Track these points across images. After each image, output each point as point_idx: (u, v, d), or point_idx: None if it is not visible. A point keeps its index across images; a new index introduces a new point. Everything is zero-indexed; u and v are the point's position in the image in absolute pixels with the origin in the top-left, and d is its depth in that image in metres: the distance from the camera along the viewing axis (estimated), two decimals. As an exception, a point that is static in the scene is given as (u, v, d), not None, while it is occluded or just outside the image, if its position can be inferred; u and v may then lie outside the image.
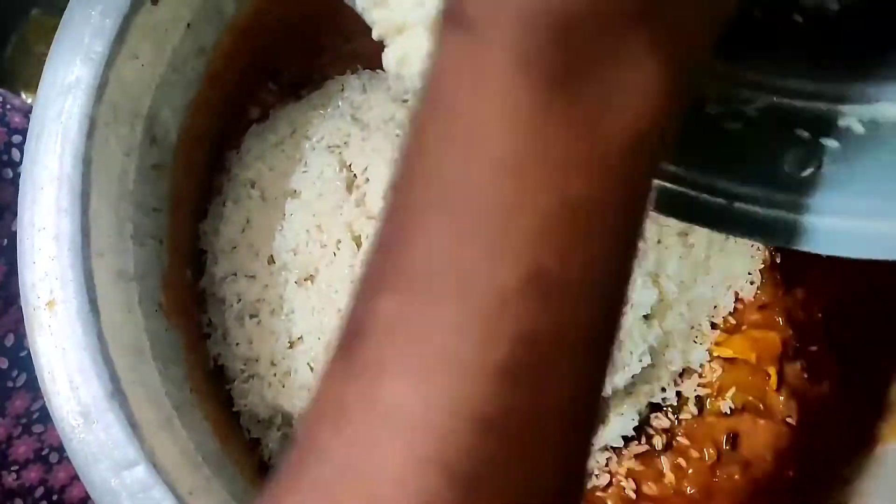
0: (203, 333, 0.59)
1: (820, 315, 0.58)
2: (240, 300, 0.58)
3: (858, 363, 0.57)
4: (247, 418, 0.58)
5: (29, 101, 0.83)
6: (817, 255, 0.57)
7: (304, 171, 0.59)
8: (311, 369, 0.56)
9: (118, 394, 0.47)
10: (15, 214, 0.63)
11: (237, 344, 0.58)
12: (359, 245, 0.57)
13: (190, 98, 0.57)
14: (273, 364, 0.57)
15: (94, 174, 0.49)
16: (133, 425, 0.47)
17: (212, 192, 0.61)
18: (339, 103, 0.61)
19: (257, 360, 0.58)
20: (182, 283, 0.58)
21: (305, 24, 0.64)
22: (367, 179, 0.58)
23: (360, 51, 0.65)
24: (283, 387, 0.57)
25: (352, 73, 0.64)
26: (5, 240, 0.63)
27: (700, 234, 0.58)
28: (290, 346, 0.57)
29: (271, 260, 0.59)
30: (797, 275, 0.59)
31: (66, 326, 0.47)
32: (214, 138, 0.61)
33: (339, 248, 0.57)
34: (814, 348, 0.58)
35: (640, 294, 0.55)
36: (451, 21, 0.24)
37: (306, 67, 0.65)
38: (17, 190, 0.63)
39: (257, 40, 0.61)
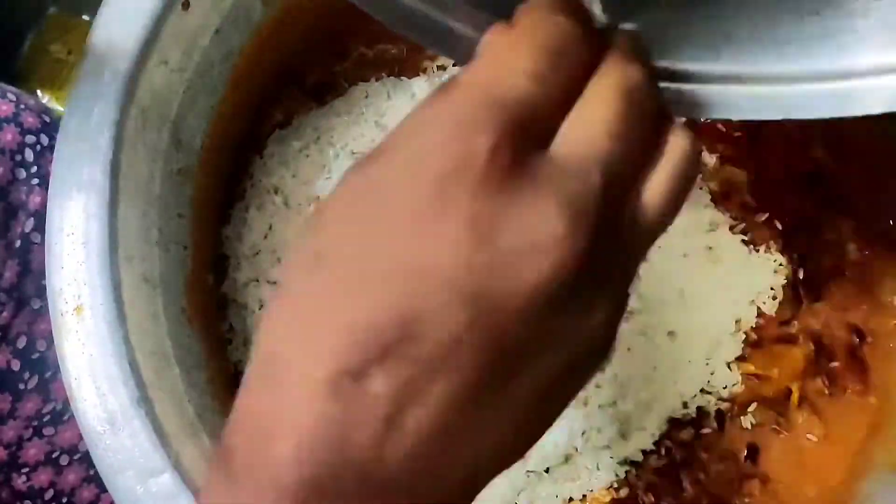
0: (224, 339, 0.59)
1: (841, 331, 0.58)
2: (261, 306, 0.58)
3: (879, 379, 0.58)
4: (266, 425, 0.58)
5: (45, 99, 0.83)
6: (839, 271, 0.58)
7: (328, 178, 0.59)
8: (332, 377, 0.56)
9: (145, 401, 0.47)
10: (28, 215, 0.63)
11: (258, 350, 0.58)
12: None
13: (215, 103, 0.56)
14: (294, 371, 0.57)
15: (123, 179, 0.49)
16: (159, 433, 0.46)
17: (235, 197, 0.61)
18: (364, 110, 0.61)
19: (278, 368, 0.57)
20: (204, 288, 0.58)
21: (330, 30, 0.64)
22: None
23: (384, 57, 0.65)
24: (304, 395, 0.57)
25: (376, 80, 0.64)
26: (18, 241, 0.62)
27: (725, 249, 0.58)
28: (311, 354, 0.57)
29: (293, 267, 0.58)
30: (819, 290, 0.59)
31: (94, 332, 0.47)
32: (238, 143, 0.61)
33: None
34: (835, 364, 0.58)
35: (666, 311, 0.55)
36: (219, 466, 0.25)
37: (330, 73, 0.65)
38: (30, 190, 0.62)
39: (282, 46, 0.61)
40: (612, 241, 0.25)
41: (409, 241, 0.24)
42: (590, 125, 0.26)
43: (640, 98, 0.26)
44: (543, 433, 0.27)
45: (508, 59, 0.26)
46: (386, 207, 0.24)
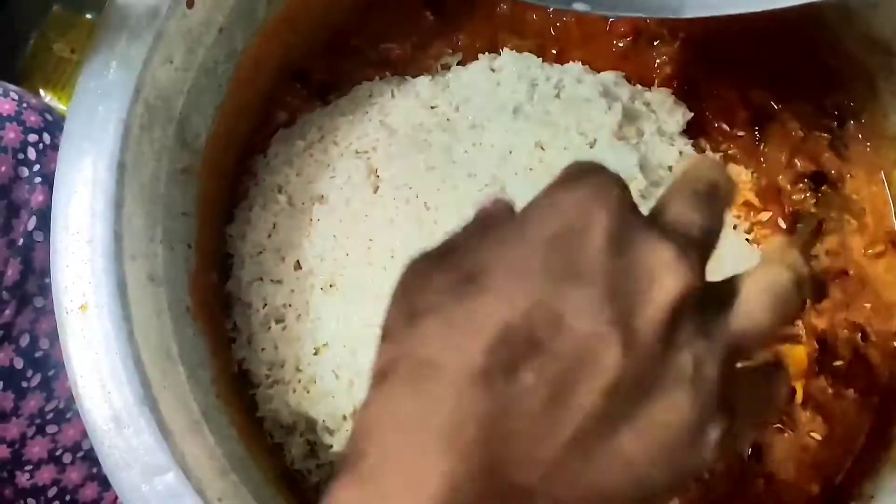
0: (228, 338, 0.59)
1: (845, 330, 0.58)
2: (265, 305, 0.58)
3: (882, 378, 0.58)
4: (270, 424, 0.58)
5: (48, 98, 0.83)
6: (843, 270, 0.58)
7: (332, 177, 0.59)
8: (336, 377, 0.56)
9: (149, 399, 0.47)
10: (30, 213, 0.62)
11: (262, 349, 0.58)
12: (386, 252, 0.57)
13: (219, 102, 0.57)
14: (298, 370, 0.57)
15: (128, 178, 0.49)
16: (164, 431, 0.46)
17: (239, 196, 0.61)
18: (368, 109, 0.61)
19: (282, 366, 0.57)
20: (208, 286, 0.58)
21: (335, 29, 0.64)
22: (395, 186, 0.58)
23: (388, 56, 0.65)
24: (308, 393, 0.57)
25: (380, 79, 0.64)
26: (21, 239, 0.62)
27: (728, 248, 0.58)
28: (316, 353, 0.57)
29: (298, 265, 0.58)
30: (823, 290, 0.59)
31: (99, 330, 0.47)
32: (242, 142, 0.61)
33: (365, 256, 0.57)
34: (838, 363, 0.58)
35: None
36: (349, 470, 0.27)
37: (334, 72, 0.65)
38: (32, 189, 0.62)
39: (287, 44, 0.61)
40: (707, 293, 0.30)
41: (559, 252, 0.28)
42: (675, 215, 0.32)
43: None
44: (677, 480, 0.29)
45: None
46: (536, 232, 0.29)
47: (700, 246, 0.31)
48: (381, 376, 0.29)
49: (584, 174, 0.31)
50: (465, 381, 0.26)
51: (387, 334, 0.30)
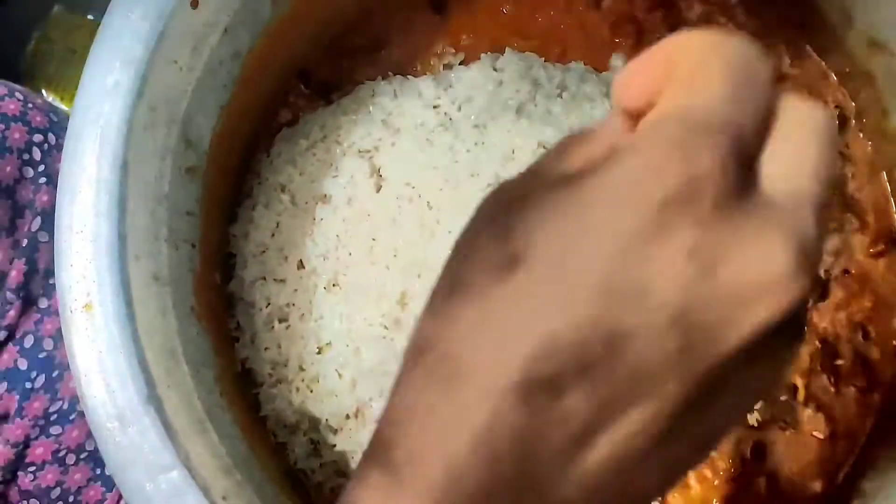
0: (231, 337, 0.59)
1: (846, 329, 0.58)
2: (269, 304, 0.58)
3: (884, 377, 0.58)
4: (273, 423, 0.58)
5: (50, 98, 0.83)
6: (845, 270, 0.58)
7: (335, 176, 0.59)
8: (340, 376, 0.56)
9: (154, 398, 0.47)
10: (35, 213, 0.63)
11: (266, 348, 0.58)
12: (389, 251, 0.57)
13: (224, 101, 0.56)
14: (301, 369, 0.57)
15: (132, 177, 0.49)
16: (168, 430, 0.47)
17: (242, 195, 0.61)
18: (371, 108, 0.61)
19: (285, 365, 0.58)
20: (212, 286, 0.58)
21: (338, 29, 0.64)
22: (398, 185, 0.58)
23: (391, 56, 0.65)
24: (311, 392, 0.57)
25: (383, 79, 0.64)
26: (25, 239, 0.62)
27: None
28: (319, 352, 0.57)
29: (301, 264, 0.59)
30: (824, 289, 0.59)
31: (103, 329, 0.47)
32: (246, 142, 0.61)
33: (368, 255, 0.57)
34: (840, 362, 0.58)
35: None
36: (375, 459, 0.25)
37: (338, 72, 0.65)
38: (37, 189, 0.63)
39: (290, 44, 0.61)
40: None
41: (623, 261, 0.23)
42: (798, 164, 0.25)
43: (834, 141, 0.26)
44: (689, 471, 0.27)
45: (703, 82, 0.25)
46: (600, 224, 0.24)
47: (817, 239, 0.24)
48: (414, 357, 0.25)
49: (690, 135, 0.24)
50: (499, 392, 0.23)
51: (432, 299, 0.26)
